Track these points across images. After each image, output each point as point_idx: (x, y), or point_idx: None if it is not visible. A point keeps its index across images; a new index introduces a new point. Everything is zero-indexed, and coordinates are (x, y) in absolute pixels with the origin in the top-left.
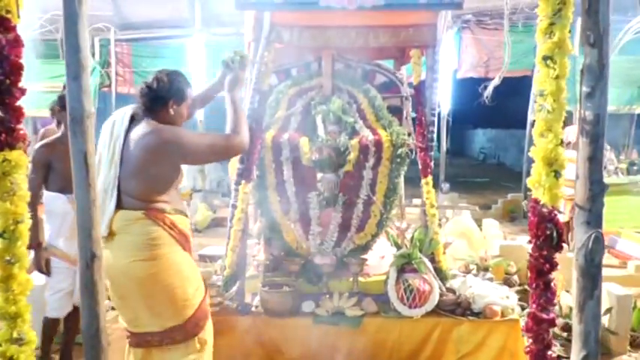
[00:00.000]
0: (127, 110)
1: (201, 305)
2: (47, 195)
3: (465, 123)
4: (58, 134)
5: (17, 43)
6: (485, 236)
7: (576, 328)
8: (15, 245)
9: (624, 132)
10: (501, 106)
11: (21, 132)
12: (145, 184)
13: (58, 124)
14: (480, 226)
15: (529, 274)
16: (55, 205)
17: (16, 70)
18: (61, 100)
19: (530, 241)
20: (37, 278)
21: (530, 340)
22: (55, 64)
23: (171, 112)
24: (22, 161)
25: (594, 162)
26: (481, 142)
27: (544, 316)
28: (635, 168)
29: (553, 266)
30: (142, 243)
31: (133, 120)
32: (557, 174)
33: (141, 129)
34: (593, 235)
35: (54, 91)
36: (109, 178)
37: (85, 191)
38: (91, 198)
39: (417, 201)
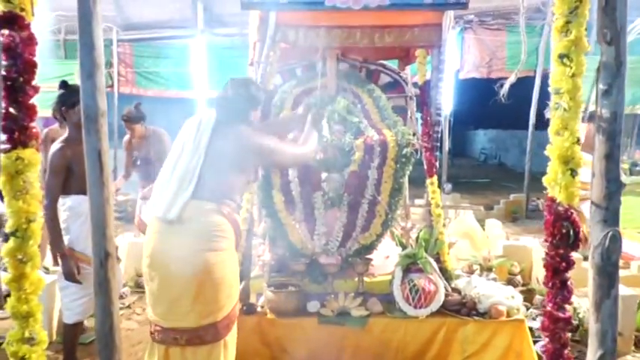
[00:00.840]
0: (213, 112)
1: (235, 306)
2: (70, 199)
3: (466, 123)
4: (66, 134)
5: (31, 41)
6: (488, 236)
7: (592, 327)
8: (27, 244)
9: (627, 132)
10: (502, 106)
11: (34, 130)
12: (227, 180)
13: (61, 124)
14: (482, 226)
15: (545, 273)
16: (82, 208)
17: (30, 68)
18: (62, 98)
19: (546, 240)
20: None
21: (547, 340)
22: (59, 64)
23: (251, 117)
24: (35, 159)
25: (611, 160)
26: (482, 143)
27: (560, 314)
28: (637, 169)
29: (569, 264)
30: (211, 233)
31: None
32: (573, 172)
33: (230, 129)
34: (609, 234)
35: (55, 92)
36: (190, 166)
37: (100, 189)
38: (105, 196)
39: (419, 201)
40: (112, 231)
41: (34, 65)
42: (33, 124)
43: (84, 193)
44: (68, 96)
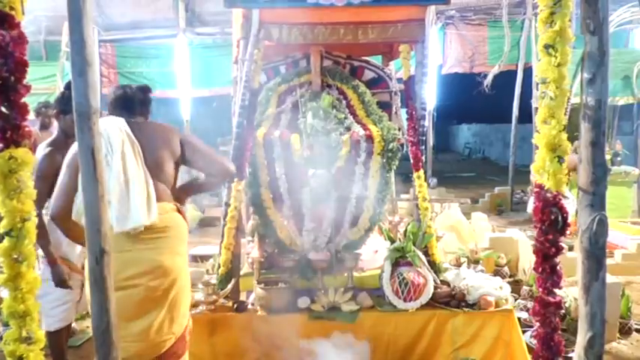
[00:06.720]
0: (116, 118)
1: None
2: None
3: (450, 118)
4: (53, 137)
5: (21, 39)
6: (475, 229)
7: (582, 310)
8: (22, 243)
9: (608, 123)
10: (485, 100)
11: (26, 129)
12: (171, 174)
13: (42, 127)
14: (468, 219)
15: (535, 259)
16: None
17: (21, 67)
18: (59, 102)
19: (535, 226)
20: None
21: (538, 324)
22: (38, 66)
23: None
24: (29, 159)
25: (597, 146)
26: (466, 137)
27: (550, 299)
28: (619, 159)
29: (559, 250)
30: (179, 236)
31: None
32: (560, 159)
33: (150, 124)
34: (597, 218)
35: (36, 94)
36: (140, 170)
37: (94, 187)
38: (99, 193)
39: (405, 196)
40: (107, 228)
41: (25, 64)
42: (25, 123)
43: None
44: (68, 101)
